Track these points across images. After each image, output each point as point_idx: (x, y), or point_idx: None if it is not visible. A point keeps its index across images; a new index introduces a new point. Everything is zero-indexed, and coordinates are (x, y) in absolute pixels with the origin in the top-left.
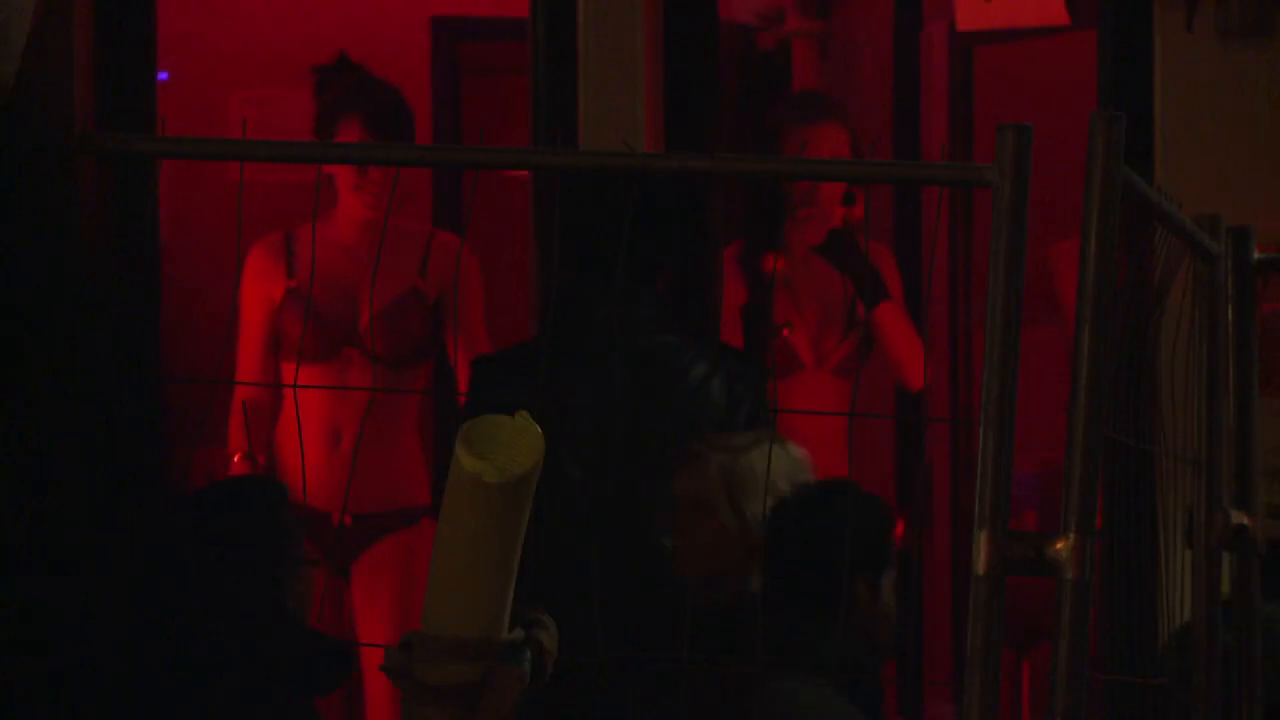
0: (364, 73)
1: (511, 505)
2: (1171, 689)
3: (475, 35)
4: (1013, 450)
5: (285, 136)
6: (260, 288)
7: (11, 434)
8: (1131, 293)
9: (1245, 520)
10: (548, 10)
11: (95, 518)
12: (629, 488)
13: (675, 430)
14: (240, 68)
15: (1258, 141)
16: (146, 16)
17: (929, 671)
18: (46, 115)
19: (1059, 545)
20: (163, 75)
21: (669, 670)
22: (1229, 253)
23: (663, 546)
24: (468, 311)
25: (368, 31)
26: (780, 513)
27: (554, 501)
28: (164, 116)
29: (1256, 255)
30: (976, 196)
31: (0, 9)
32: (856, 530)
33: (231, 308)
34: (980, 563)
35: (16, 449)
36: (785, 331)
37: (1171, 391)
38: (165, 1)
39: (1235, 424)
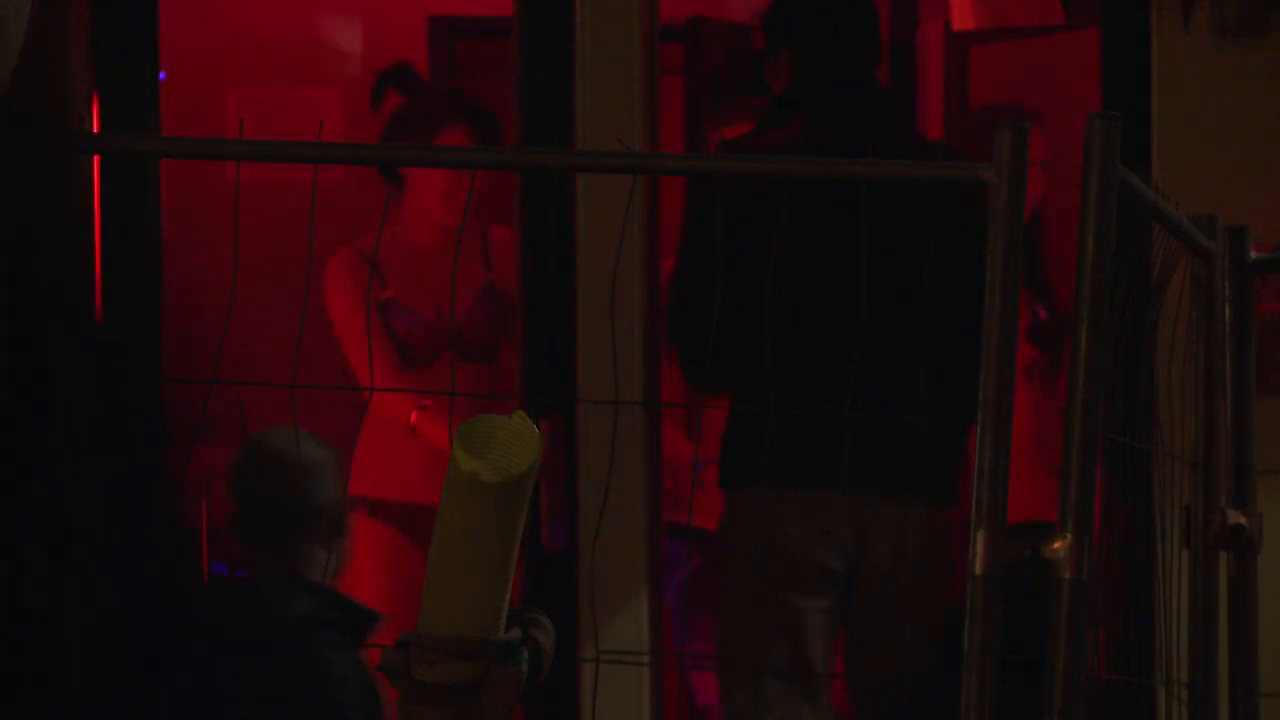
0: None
1: (508, 505)
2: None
3: (472, 34)
4: (1010, 450)
5: (283, 136)
6: (359, 298)
7: (11, 433)
8: (1128, 292)
9: (1242, 519)
10: (542, 9)
11: (94, 517)
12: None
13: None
14: (239, 68)
15: (1255, 141)
16: (147, 16)
17: None
18: (45, 115)
19: (1056, 545)
20: (161, 75)
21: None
22: (1226, 252)
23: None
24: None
25: (365, 30)
26: None
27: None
28: (162, 116)
29: (1253, 255)
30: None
31: None
32: None
33: (229, 310)
34: (978, 562)
35: (17, 448)
36: None
37: (1169, 391)
38: (165, 1)
39: (1232, 423)
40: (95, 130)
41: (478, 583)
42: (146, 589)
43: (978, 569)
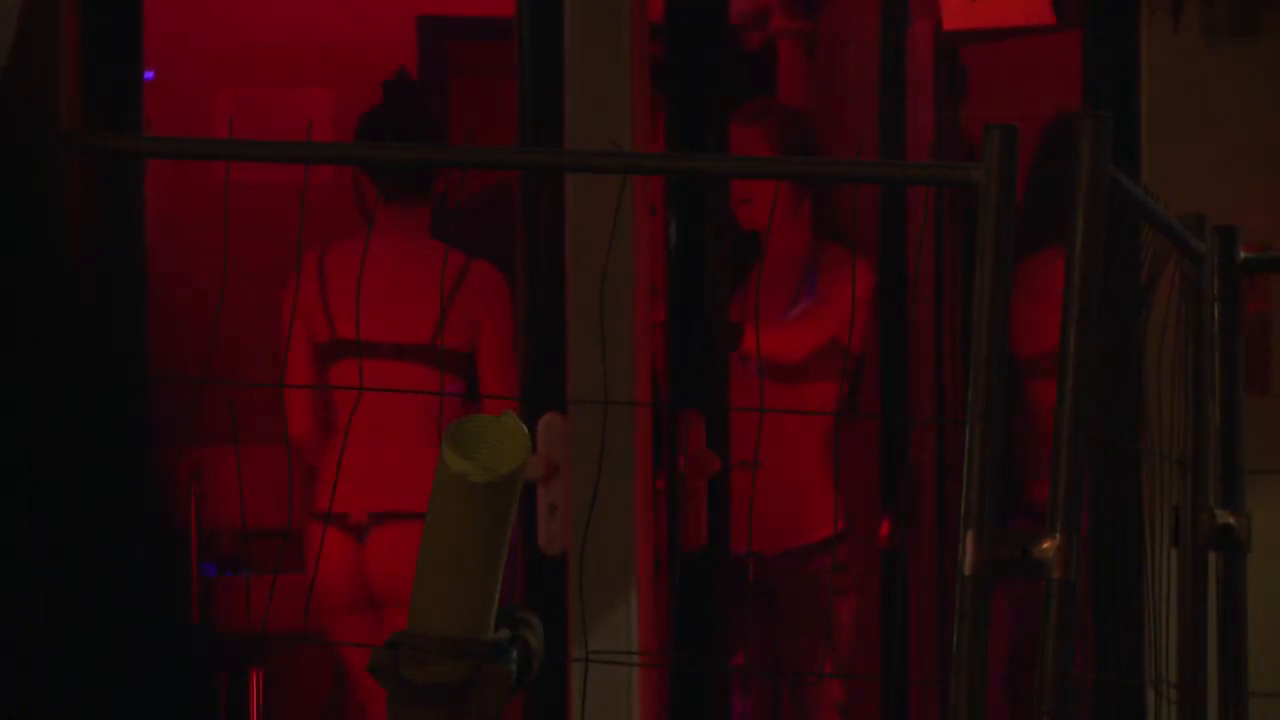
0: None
1: (497, 504)
2: None
3: (463, 34)
4: (999, 450)
5: (272, 136)
6: None
7: None
8: (1118, 292)
9: (1231, 520)
10: (533, 9)
11: (82, 517)
12: None
13: None
14: (227, 67)
15: (1244, 141)
16: (132, 15)
17: (914, 671)
18: (32, 114)
19: (1045, 545)
20: (149, 74)
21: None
22: (1215, 252)
23: None
24: None
25: (355, 31)
26: None
27: None
28: (150, 116)
29: (1242, 255)
30: (963, 195)
31: None
32: None
33: (218, 310)
34: (967, 563)
35: (2, 448)
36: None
37: (1158, 391)
38: (152, 0)
39: (1221, 424)
40: (81, 129)
41: (467, 582)
42: (134, 587)
43: (967, 569)
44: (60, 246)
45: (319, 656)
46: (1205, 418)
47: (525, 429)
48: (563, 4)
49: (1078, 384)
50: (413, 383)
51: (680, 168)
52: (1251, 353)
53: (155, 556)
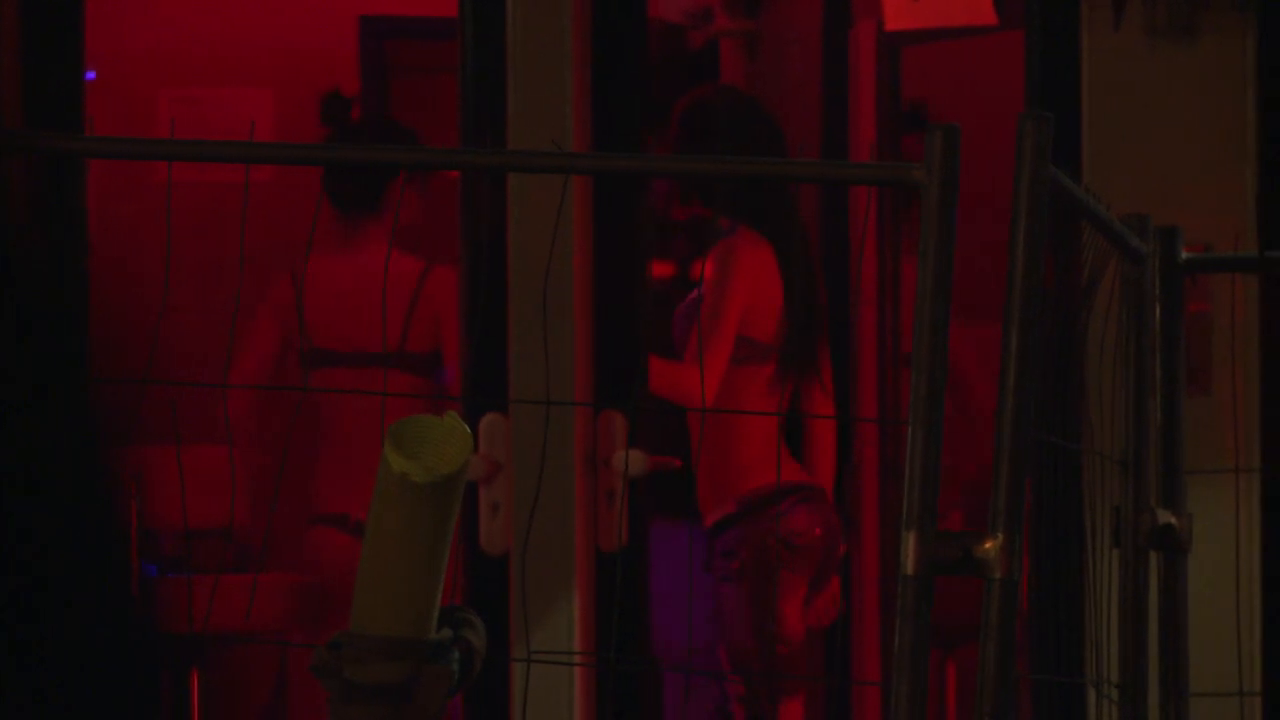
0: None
1: (439, 504)
2: None
3: (403, 34)
4: (940, 450)
5: (214, 136)
6: None
7: None
8: (1059, 293)
9: (1172, 520)
10: (476, 9)
11: (23, 516)
12: None
13: None
14: (169, 67)
15: (1185, 141)
16: (74, 15)
17: (856, 671)
18: None
19: (987, 545)
20: (91, 74)
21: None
22: (1157, 253)
23: None
24: None
25: (296, 30)
26: None
27: None
28: (92, 116)
29: (1184, 255)
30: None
31: None
32: None
33: (160, 310)
34: (909, 563)
35: None
36: None
37: (1099, 391)
38: (93, 0)
39: (1162, 424)
40: (22, 129)
41: (409, 583)
42: (77, 588)
43: (908, 569)
44: (1, 246)
45: (263, 656)
46: (1146, 418)
47: (468, 429)
48: (505, 4)
49: (1019, 384)
50: (383, 387)
51: (622, 168)
52: (1193, 353)
53: (97, 556)
